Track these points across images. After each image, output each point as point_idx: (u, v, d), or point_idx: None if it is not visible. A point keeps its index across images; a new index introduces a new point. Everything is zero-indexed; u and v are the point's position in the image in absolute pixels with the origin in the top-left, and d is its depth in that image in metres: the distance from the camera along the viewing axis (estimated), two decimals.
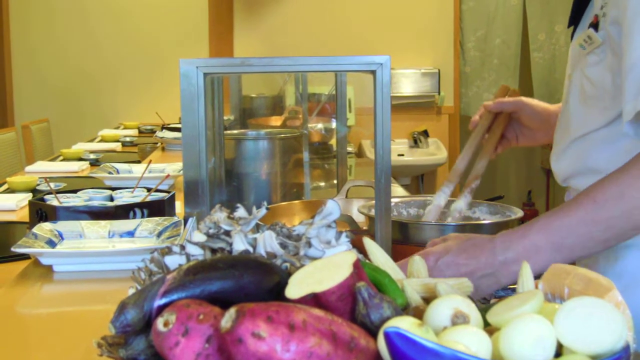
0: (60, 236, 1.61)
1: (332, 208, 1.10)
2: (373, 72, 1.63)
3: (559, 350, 0.90)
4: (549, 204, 6.83)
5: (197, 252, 1.05)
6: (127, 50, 6.08)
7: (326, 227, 1.10)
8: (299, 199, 2.83)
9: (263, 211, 1.09)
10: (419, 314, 1.02)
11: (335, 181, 3.25)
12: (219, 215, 1.09)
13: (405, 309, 1.08)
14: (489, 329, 0.96)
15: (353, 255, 0.95)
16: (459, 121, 6.01)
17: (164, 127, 4.30)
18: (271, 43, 5.89)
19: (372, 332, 0.89)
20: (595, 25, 1.56)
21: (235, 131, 3.18)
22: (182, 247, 1.06)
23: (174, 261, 1.03)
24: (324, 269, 0.95)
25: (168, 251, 1.05)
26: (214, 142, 2.59)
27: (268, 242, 1.06)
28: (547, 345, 0.88)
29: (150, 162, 2.44)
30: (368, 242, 1.20)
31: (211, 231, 1.08)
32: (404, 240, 1.82)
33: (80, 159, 3.73)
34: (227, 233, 1.08)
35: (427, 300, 1.14)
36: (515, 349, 0.87)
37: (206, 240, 1.08)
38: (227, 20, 5.94)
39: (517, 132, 1.97)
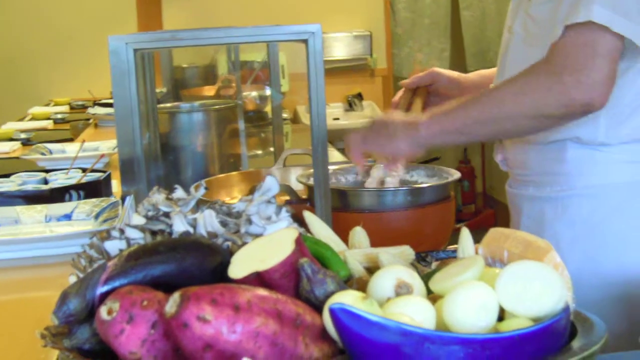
0: None
1: (271, 184, 1.10)
2: (305, 41, 1.62)
3: (501, 314, 0.91)
4: (484, 160, 6.90)
5: (137, 236, 1.04)
6: (53, 25, 5.96)
7: (266, 203, 1.10)
8: (237, 170, 2.82)
9: (202, 191, 1.08)
10: (362, 285, 1.03)
11: (272, 149, 3.24)
12: (157, 196, 1.08)
13: (348, 281, 1.09)
14: (432, 296, 0.98)
15: (295, 232, 0.95)
16: (392, 83, 6.02)
17: (95, 103, 4.23)
18: (201, 12, 5.82)
19: (317, 307, 0.90)
20: None
21: (168, 104, 3.14)
22: (122, 231, 1.05)
23: (114, 246, 1.02)
24: (266, 247, 0.95)
25: (107, 236, 1.03)
26: (147, 117, 2.56)
27: (208, 222, 1.05)
28: (489, 311, 0.89)
29: (83, 141, 2.40)
30: (308, 215, 1.21)
31: (150, 213, 1.08)
32: (343, 208, 1.83)
33: (11, 139, 3.66)
34: (167, 214, 1.07)
35: (370, 270, 1.15)
36: (459, 315, 0.88)
37: (145, 223, 1.07)
38: None
39: (437, 105, 2.00)
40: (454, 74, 1.96)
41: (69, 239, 1.47)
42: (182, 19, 5.81)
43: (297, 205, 1.91)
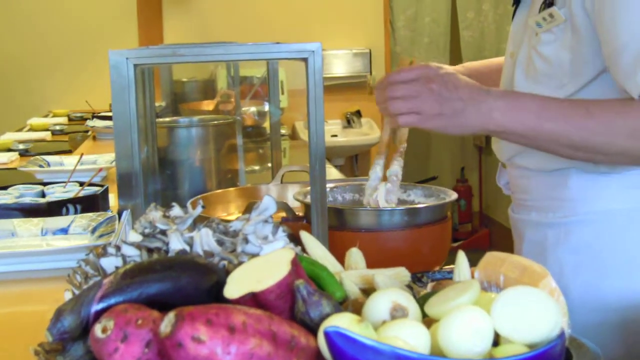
0: None
1: (268, 203, 1.10)
2: (305, 60, 1.63)
3: (496, 340, 0.91)
4: (481, 180, 6.91)
5: (133, 253, 1.04)
6: (53, 35, 5.96)
7: (263, 223, 1.10)
8: (234, 185, 2.82)
9: (199, 209, 1.08)
10: (358, 307, 1.03)
11: (269, 165, 3.24)
12: (154, 214, 1.08)
13: (344, 302, 1.09)
14: (427, 319, 0.98)
15: (291, 253, 0.95)
16: None
17: (94, 116, 4.23)
18: (202, 27, 5.83)
19: (312, 329, 0.90)
20: (550, 4, 1.57)
21: (167, 119, 3.15)
22: (118, 248, 1.05)
23: (110, 263, 1.02)
24: (262, 268, 0.95)
25: (103, 253, 1.03)
26: (145, 130, 2.56)
27: (205, 240, 1.05)
28: (484, 336, 0.89)
29: (82, 155, 2.40)
30: (305, 236, 1.21)
31: (147, 231, 1.08)
32: (340, 227, 1.83)
33: (9, 150, 3.65)
34: (163, 232, 1.07)
35: (366, 291, 1.15)
36: (454, 340, 0.88)
37: (142, 240, 1.07)
38: (156, 4, 5.87)
39: None
40: (450, 68, 1.94)
41: (65, 253, 1.46)
42: (182, 32, 5.82)
43: (294, 223, 1.92)
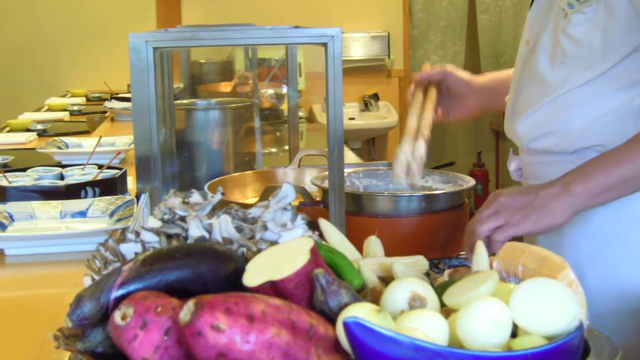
0: (11, 218, 1.59)
1: (288, 191, 1.10)
2: (325, 45, 1.62)
3: (515, 331, 0.91)
4: (498, 164, 6.89)
5: (152, 239, 1.04)
6: (72, 15, 5.97)
7: (282, 210, 1.10)
8: (251, 168, 2.82)
9: (218, 196, 1.08)
10: (376, 295, 1.03)
11: (287, 147, 3.24)
12: (174, 200, 1.08)
13: (362, 290, 1.09)
14: (445, 309, 0.98)
15: (310, 241, 0.95)
16: (409, 84, 6.01)
17: (112, 97, 4.24)
18: (220, 9, 5.82)
19: (331, 318, 0.90)
20: None
21: (185, 101, 3.15)
22: (137, 234, 1.05)
23: (129, 249, 1.03)
24: (281, 256, 0.95)
25: (123, 238, 1.04)
26: (164, 113, 2.56)
27: (224, 227, 1.06)
28: (503, 327, 0.89)
29: (100, 137, 2.41)
30: (324, 223, 1.21)
31: (166, 217, 1.08)
32: (357, 212, 1.83)
33: (28, 130, 3.67)
34: (182, 219, 1.07)
35: (384, 279, 1.15)
36: (472, 331, 0.88)
37: (161, 226, 1.07)
38: None
39: (447, 106, 1.99)
40: (465, 74, 1.96)
41: (84, 236, 1.47)
42: (201, 14, 5.82)
43: (311, 208, 1.92)
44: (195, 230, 1.04)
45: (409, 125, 1.92)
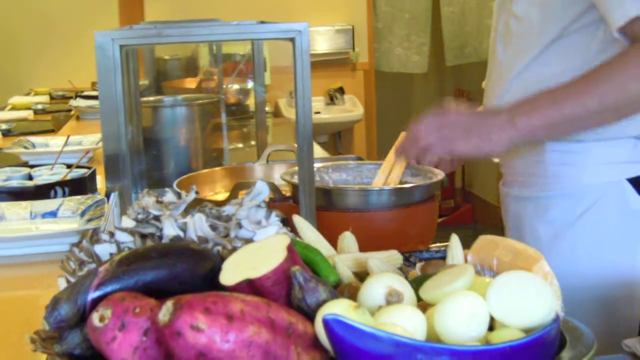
0: None
1: (261, 188, 1.10)
2: (292, 40, 1.62)
3: (492, 324, 0.92)
4: None
5: (127, 239, 1.03)
6: (34, 13, 5.91)
7: (256, 207, 1.10)
8: (220, 164, 2.82)
9: (192, 195, 1.08)
10: (352, 290, 1.03)
11: (253, 142, 3.23)
12: (147, 200, 1.07)
13: (337, 286, 1.09)
14: (422, 303, 0.98)
15: (286, 239, 0.95)
16: (374, 77, 6.02)
17: (77, 95, 4.20)
18: (183, 4, 5.79)
19: (309, 315, 0.90)
20: None
21: (151, 98, 3.13)
22: (112, 234, 1.05)
23: (104, 250, 1.02)
24: (258, 254, 0.95)
25: (97, 239, 1.03)
26: (130, 110, 2.55)
27: (198, 226, 1.05)
28: (480, 321, 0.90)
29: (68, 136, 2.39)
30: (297, 219, 1.21)
31: (140, 216, 1.07)
32: (328, 207, 1.83)
33: None
34: (157, 218, 1.07)
35: (359, 275, 1.16)
36: (450, 325, 0.89)
37: (135, 226, 1.07)
38: None
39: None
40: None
41: (57, 237, 1.46)
42: (164, 10, 5.77)
43: (281, 204, 1.92)
44: (170, 230, 1.04)
45: (376, 182, 1.95)
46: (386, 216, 1.83)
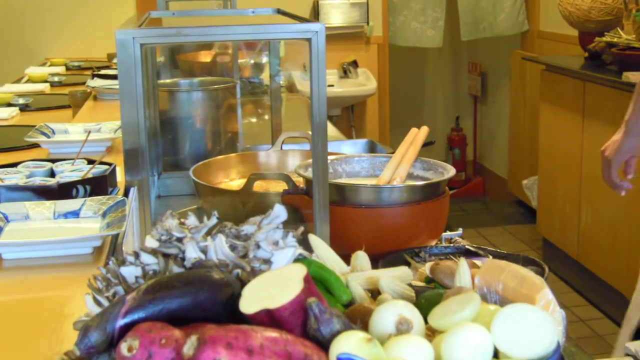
0: (6, 219, 1.63)
1: (279, 211, 1.15)
2: (309, 40, 1.66)
3: (496, 353, 0.98)
4: (476, 128, 6.95)
5: (151, 261, 1.09)
6: None
7: (274, 229, 1.15)
8: (234, 147, 2.87)
9: (213, 220, 1.13)
10: (364, 311, 1.09)
11: (267, 116, 3.26)
12: (171, 222, 1.13)
13: (350, 305, 1.15)
14: (429, 326, 1.04)
15: (303, 269, 1.01)
16: (387, 51, 6.04)
17: (94, 75, 4.24)
18: None
19: (323, 345, 0.95)
20: None
21: (168, 80, 3.18)
22: (137, 255, 1.10)
23: (129, 272, 1.08)
24: (276, 283, 1.00)
25: (123, 262, 1.09)
26: (147, 94, 2.60)
27: (219, 248, 1.11)
28: (485, 352, 0.95)
29: (89, 133, 2.44)
30: (313, 239, 1.26)
31: (163, 237, 1.13)
32: (341, 202, 1.88)
33: (9, 105, 3.67)
34: (179, 239, 1.12)
35: (372, 292, 1.21)
36: (457, 356, 0.94)
37: (159, 246, 1.12)
38: None
39: None
40: None
41: (81, 242, 1.51)
42: None
43: (294, 196, 1.96)
44: (192, 253, 1.10)
45: (382, 177, 2.01)
46: (397, 212, 1.88)
